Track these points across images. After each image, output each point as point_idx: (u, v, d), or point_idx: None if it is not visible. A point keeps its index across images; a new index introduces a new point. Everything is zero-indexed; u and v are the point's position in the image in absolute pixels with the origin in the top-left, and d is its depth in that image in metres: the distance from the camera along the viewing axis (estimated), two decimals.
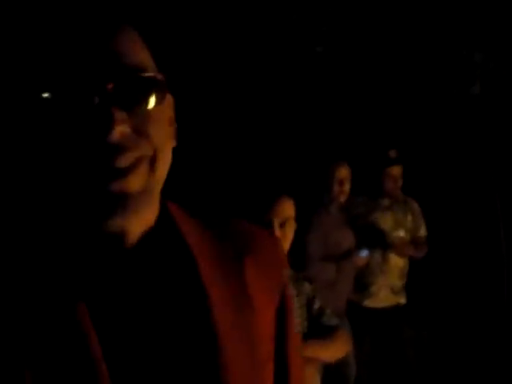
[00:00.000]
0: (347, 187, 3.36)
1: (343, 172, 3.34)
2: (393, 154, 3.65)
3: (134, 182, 0.64)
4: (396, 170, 3.64)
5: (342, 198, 3.36)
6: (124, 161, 0.63)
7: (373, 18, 4.57)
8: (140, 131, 0.65)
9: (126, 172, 0.63)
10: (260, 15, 4.33)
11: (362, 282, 3.55)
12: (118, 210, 0.64)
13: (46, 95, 0.62)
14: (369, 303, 3.62)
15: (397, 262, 3.66)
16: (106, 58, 0.64)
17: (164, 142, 0.68)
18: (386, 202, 3.70)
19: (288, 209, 3.06)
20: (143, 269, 0.71)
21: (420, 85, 4.73)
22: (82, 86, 0.62)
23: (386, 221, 3.67)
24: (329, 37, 4.64)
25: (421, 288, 4.39)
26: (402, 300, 3.74)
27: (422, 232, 3.81)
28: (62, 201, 0.67)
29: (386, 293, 3.64)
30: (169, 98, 0.73)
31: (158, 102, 0.67)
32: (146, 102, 0.65)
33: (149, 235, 0.71)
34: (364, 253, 3.47)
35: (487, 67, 4.66)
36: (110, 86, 0.62)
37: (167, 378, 0.69)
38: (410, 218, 3.76)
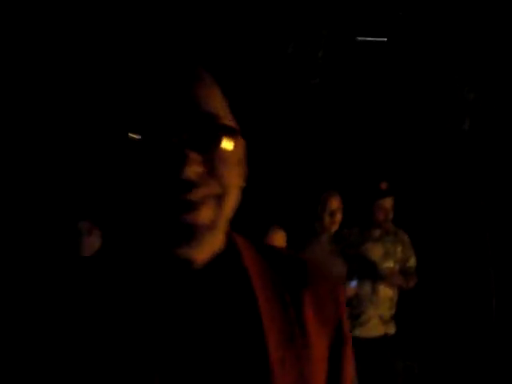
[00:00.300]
0: (338, 218, 3.40)
1: (334, 203, 3.38)
2: (384, 186, 3.70)
3: (203, 216, 0.71)
4: (387, 202, 3.69)
5: (333, 229, 3.39)
6: (194, 195, 0.70)
7: (368, 52, 4.67)
8: (211, 171, 0.72)
9: (196, 206, 0.70)
10: (254, 46, 4.42)
11: (352, 312, 3.59)
12: (186, 240, 0.71)
13: (134, 136, 0.70)
14: (358, 333, 3.64)
15: (386, 293, 3.69)
16: (186, 106, 0.71)
17: (232, 182, 0.75)
18: (376, 233, 3.75)
19: (279, 239, 3.12)
20: (204, 294, 0.76)
21: (412, 119, 4.82)
22: (164, 130, 0.70)
23: (375, 252, 3.70)
24: (324, 69, 4.73)
25: (410, 319, 4.42)
26: (391, 330, 3.75)
27: (412, 263, 3.85)
28: (137, 226, 0.74)
29: (375, 322, 3.68)
30: (240, 142, 0.79)
31: (228, 147, 0.73)
32: (218, 146, 0.72)
33: (213, 263, 0.77)
34: (353, 283, 3.51)
35: (477, 105, 4.76)
36: (186, 131, 0.70)
37: None
38: (399, 248, 3.80)
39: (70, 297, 0.75)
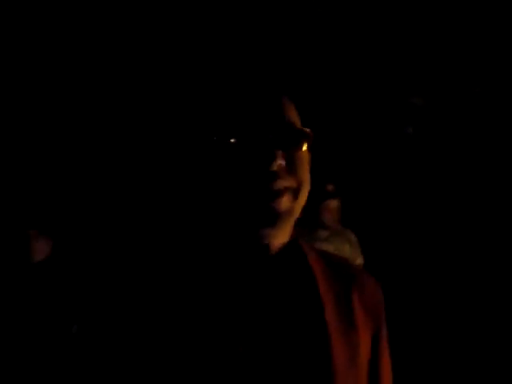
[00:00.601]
0: None
1: None
2: (330, 187, 3.79)
3: (284, 204, 0.86)
4: (334, 204, 3.78)
5: None
6: (278, 185, 0.85)
7: (313, 54, 4.76)
8: (291, 168, 0.88)
9: (279, 195, 0.85)
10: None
11: None
12: (270, 222, 0.86)
13: (233, 140, 0.87)
14: None
15: None
16: (274, 118, 0.89)
17: (306, 179, 0.93)
18: (324, 233, 3.84)
19: None
20: (276, 278, 0.89)
21: (357, 122, 4.94)
22: (258, 133, 0.87)
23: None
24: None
25: None
26: None
27: (359, 261, 3.96)
28: (224, 211, 0.88)
29: None
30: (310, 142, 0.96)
31: (304, 148, 0.92)
32: (298, 147, 0.90)
33: (284, 252, 0.91)
34: None
35: (421, 109, 4.90)
36: (274, 134, 0.87)
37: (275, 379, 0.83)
38: (347, 248, 3.90)
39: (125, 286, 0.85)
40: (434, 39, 4.63)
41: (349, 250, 3.90)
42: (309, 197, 3.49)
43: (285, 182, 0.87)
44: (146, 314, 0.82)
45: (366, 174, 5.18)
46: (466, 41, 4.57)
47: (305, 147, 0.93)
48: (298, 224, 3.55)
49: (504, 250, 5.04)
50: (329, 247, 3.78)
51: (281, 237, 0.91)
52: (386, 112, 4.88)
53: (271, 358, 0.83)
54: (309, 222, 3.78)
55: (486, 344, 4.71)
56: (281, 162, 0.86)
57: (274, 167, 0.85)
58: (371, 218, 5.12)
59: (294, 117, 0.94)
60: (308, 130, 0.94)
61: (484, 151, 4.87)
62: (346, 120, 4.94)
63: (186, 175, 0.91)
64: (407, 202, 5.23)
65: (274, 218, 0.87)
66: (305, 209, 3.40)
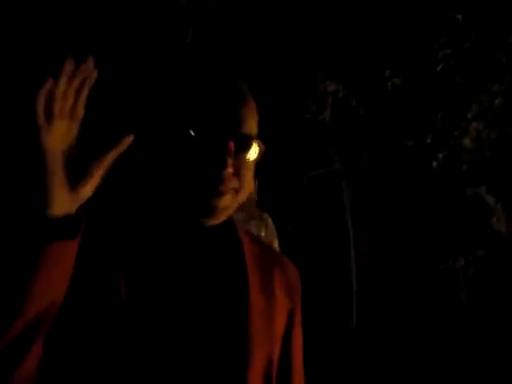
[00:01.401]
0: None
1: None
2: None
3: (224, 201, 0.98)
4: None
5: None
6: (223, 187, 0.96)
7: (233, 37, 4.74)
8: (237, 173, 0.98)
9: (221, 194, 0.97)
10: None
11: None
12: (210, 216, 0.98)
13: (192, 134, 0.96)
14: None
15: None
16: (233, 124, 0.98)
17: (248, 183, 1.03)
18: (240, 216, 3.84)
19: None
20: (209, 245, 1.04)
21: (277, 107, 4.97)
22: (215, 138, 0.96)
23: None
24: (193, 54, 4.75)
25: None
26: None
27: (275, 245, 3.99)
28: (172, 200, 1.01)
29: None
30: (261, 150, 1.05)
31: (254, 158, 1.01)
32: (248, 157, 1.00)
33: (218, 228, 1.03)
34: None
35: (338, 96, 5.00)
36: (231, 144, 0.95)
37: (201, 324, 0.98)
38: (263, 232, 3.92)
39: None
40: (353, 22, 4.70)
41: (265, 233, 3.92)
42: None
43: (230, 184, 0.97)
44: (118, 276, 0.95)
45: (284, 156, 5.22)
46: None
47: (255, 155, 1.02)
48: None
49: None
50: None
51: (219, 220, 1.03)
52: (304, 98, 4.92)
53: (196, 314, 0.99)
54: None
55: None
56: (230, 169, 0.96)
57: (224, 175, 0.95)
58: (288, 202, 5.18)
59: (252, 127, 1.02)
60: (261, 143, 1.03)
61: (399, 140, 4.99)
62: (265, 105, 4.95)
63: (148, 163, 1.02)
64: (322, 186, 5.31)
65: (214, 213, 0.98)
66: None
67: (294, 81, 4.91)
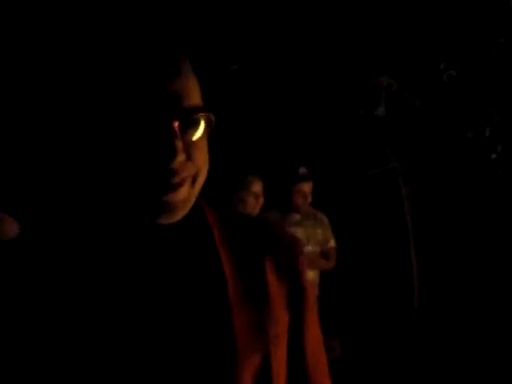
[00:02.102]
0: (261, 201, 3.44)
1: (258, 186, 3.42)
2: (302, 170, 3.77)
3: (181, 195, 0.81)
4: (305, 187, 3.75)
5: (256, 212, 3.44)
6: (176, 179, 0.79)
7: (286, 36, 4.73)
8: (190, 157, 0.81)
9: (175, 187, 0.80)
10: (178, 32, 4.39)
11: None
12: (165, 213, 0.81)
13: (122, 124, 0.78)
14: None
15: (309, 275, 3.74)
16: (172, 99, 0.79)
17: (204, 164, 0.84)
18: (296, 216, 3.82)
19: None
20: (171, 247, 0.86)
21: (330, 104, 4.92)
22: (152, 120, 0.78)
23: (297, 235, 3.77)
24: (243, 55, 4.75)
25: (333, 299, 4.53)
26: None
27: (332, 244, 3.96)
28: (121, 199, 0.83)
29: None
30: (211, 121, 0.86)
31: (205, 135, 0.83)
32: (199, 134, 0.82)
33: (181, 221, 0.85)
34: None
35: (391, 90, 4.91)
36: (175, 124, 0.78)
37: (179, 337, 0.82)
38: (319, 231, 3.89)
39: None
40: (402, 19, 4.62)
41: (321, 232, 3.90)
42: (281, 180, 3.44)
43: (183, 173, 0.80)
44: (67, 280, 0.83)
45: (339, 156, 5.17)
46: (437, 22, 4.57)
47: (205, 131, 0.83)
48: (271, 207, 3.51)
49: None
50: (300, 230, 3.77)
51: (178, 218, 0.86)
52: (356, 94, 4.86)
53: (169, 323, 0.83)
54: (281, 205, 3.77)
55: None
56: (181, 157, 0.78)
57: (175, 164, 0.78)
58: (344, 200, 5.13)
59: (195, 98, 0.83)
60: (211, 114, 0.83)
61: (457, 133, 4.89)
62: (318, 103, 4.92)
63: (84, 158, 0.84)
64: (380, 184, 5.24)
65: (170, 210, 0.82)
66: (277, 192, 3.36)
67: (346, 76, 4.85)
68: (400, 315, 5.18)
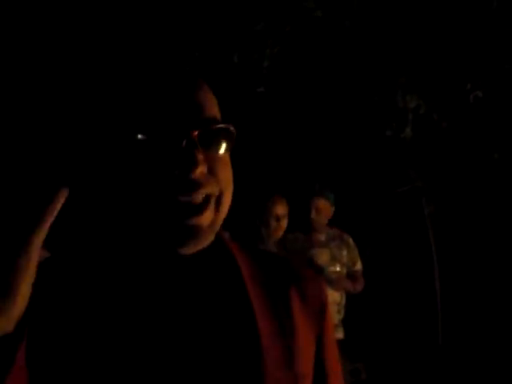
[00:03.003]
0: (284, 223, 3.42)
1: (280, 208, 3.41)
2: (317, 186, 3.75)
3: (206, 218, 0.76)
4: (320, 202, 3.72)
5: (279, 234, 3.42)
6: (198, 196, 0.74)
7: (310, 61, 4.74)
8: (212, 172, 0.76)
9: (199, 209, 0.75)
10: (201, 55, 4.44)
11: None
12: (191, 240, 0.76)
13: (141, 137, 0.74)
14: None
15: (333, 297, 3.71)
16: (192, 111, 0.76)
17: (228, 183, 0.80)
18: (321, 237, 3.79)
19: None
20: (195, 281, 0.81)
21: (355, 125, 4.91)
22: (172, 131, 0.75)
23: (322, 256, 3.74)
24: (270, 77, 4.78)
25: (358, 322, 4.48)
26: (340, 335, 3.77)
27: (358, 266, 3.91)
28: (146, 222, 0.78)
29: None
30: (233, 135, 0.83)
31: (228, 149, 0.79)
32: (220, 148, 0.78)
33: (203, 253, 0.81)
34: None
35: (419, 112, 4.88)
36: (195, 133, 0.74)
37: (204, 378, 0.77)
38: (345, 252, 3.85)
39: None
40: (427, 39, 4.61)
41: (347, 254, 3.86)
42: (301, 199, 3.40)
43: (205, 190, 0.76)
44: (90, 312, 0.79)
45: (365, 177, 5.15)
46: (463, 40, 4.55)
47: (228, 146, 0.80)
48: (293, 229, 3.48)
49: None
50: (325, 251, 3.74)
51: (203, 244, 0.82)
52: (381, 115, 4.85)
53: (201, 354, 0.78)
54: (302, 225, 3.74)
55: None
56: (202, 168, 0.75)
57: (196, 175, 0.74)
58: (371, 222, 5.09)
59: (215, 110, 0.82)
60: (231, 126, 0.80)
61: (484, 154, 4.83)
62: (344, 125, 4.91)
63: (99, 178, 0.80)
64: (405, 205, 5.20)
65: (195, 235, 0.77)
66: (300, 213, 3.33)
67: (373, 97, 4.84)
68: (424, 338, 5.10)
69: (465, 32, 4.54)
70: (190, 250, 0.79)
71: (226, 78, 4.58)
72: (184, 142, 0.74)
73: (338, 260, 3.81)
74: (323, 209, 3.73)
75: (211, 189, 0.77)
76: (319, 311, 0.91)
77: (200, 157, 0.74)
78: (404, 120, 4.79)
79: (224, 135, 0.79)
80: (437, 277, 5.12)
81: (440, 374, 4.77)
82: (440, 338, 5.08)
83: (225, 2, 4.28)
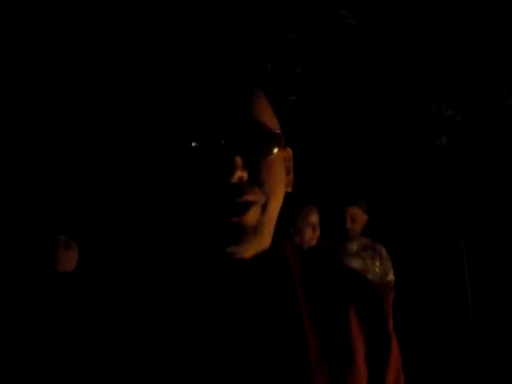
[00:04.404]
0: (318, 232, 3.41)
1: (315, 216, 3.40)
2: (350, 195, 3.73)
3: (249, 219, 0.76)
4: (354, 211, 3.70)
5: (313, 242, 3.41)
6: (241, 198, 0.75)
7: (344, 69, 4.72)
8: (255, 179, 0.76)
9: (243, 209, 0.75)
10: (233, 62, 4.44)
11: None
12: (234, 239, 0.76)
13: (193, 144, 0.75)
14: None
15: None
16: (234, 116, 0.76)
17: (275, 189, 0.79)
18: (354, 247, 3.76)
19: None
20: (249, 287, 0.80)
21: (390, 134, 4.87)
22: (213, 136, 0.75)
23: (354, 266, 3.71)
24: (301, 86, 4.77)
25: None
26: None
27: (391, 277, 3.87)
28: (188, 226, 0.79)
29: None
30: (287, 151, 0.85)
31: (271, 154, 0.78)
32: (264, 153, 0.77)
33: (259, 260, 0.80)
34: None
35: (455, 120, 4.83)
36: (234, 137, 0.74)
37: None
38: (378, 263, 3.81)
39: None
40: (463, 48, 4.55)
41: (379, 264, 3.82)
42: (335, 208, 3.38)
43: (249, 197, 0.76)
44: (137, 316, 0.79)
45: (398, 186, 5.10)
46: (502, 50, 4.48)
47: (274, 153, 0.79)
48: (326, 238, 3.46)
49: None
50: (357, 261, 3.71)
51: (252, 250, 0.80)
52: (416, 124, 4.80)
53: (250, 362, 0.76)
54: (335, 235, 3.72)
55: None
56: (241, 173, 0.74)
57: (234, 179, 0.74)
58: (404, 233, 5.03)
59: (262, 117, 0.80)
60: (278, 131, 0.80)
61: None
62: (378, 134, 4.87)
63: (148, 183, 0.81)
64: (438, 215, 5.13)
65: (239, 235, 0.76)
66: (330, 220, 3.31)
67: (408, 106, 4.79)
68: (455, 346, 5.02)
69: (501, 40, 4.48)
70: (237, 249, 0.78)
71: (259, 85, 4.57)
72: (224, 149, 0.74)
73: (370, 270, 3.77)
74: (357, 217, 3.71)
75: (254, 196, 0.76)
76: (379, 325, 0.88)
77: (238, 162, 0.73)
78: (439, 128, 4.73)
79: (267, 141, 0.78)
80: (468, 287, 5.04)
81: (471, 380, 4.70)
82: (471, 347, 5.00)
83: (259, 11, 4.29)
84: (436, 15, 4.57)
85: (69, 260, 2.68)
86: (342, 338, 0.83)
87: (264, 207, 0.78)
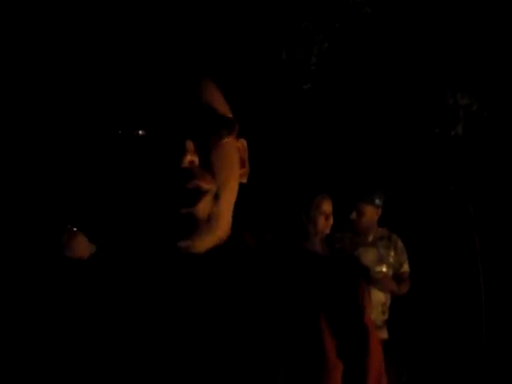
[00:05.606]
0: (331, 220, 3.40)
1: (328, 205, 3.38)
2: (363, 190, 3.72)
3: (200, 210, 0.74)
4: (363, 207, 3.69)
5: (326, 231, 3.40)
6: (191, 184, 0.73)
7: (359, 58, 4.69)
8: (207, 164, 0.75)
9: (194, 199, 0.73)
10: (247, 52, 4.43)
11: None
12: (185, 231, 0.74)
13: (140, 132, 0.75)
14: None
15: (378, 297, 3.68)
16: (185, 100, 0.75)
17: (228, 179, 0.77)
18: (369, 237, 3.76)
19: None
20: (205, 280, 0.78)
21: (404, 124, 4.84)
22: (165, 124, 0.74)
23: (368, 256, 3.70)
24: (316, 75, 4.75)
25: (403, 324, 4.42)
26: (384, 335, 3.75)
27: (405, 268, 3.85)
28: (138, 218, 0.78)
29: None
30: (241, 142, 0.83)
31: (222, 138, 0.77)
32: (216, 139, 0.76)
33: (214, 253, 0.79)
34: None
35: (470, 109, 4.78)
36: (186, 123, 0.74)
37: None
38: (392, 253, 3.80)
39: (66, 296, 0.80)
40: (479, 37, 4.51)
41: (394, 255, 3.80)
42: (350, 199, 3.35)
43: (200, 182, 0.74)
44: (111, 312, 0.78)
45: (414, 177, 5.07)
46: None
47: (225, 137, 0.77)
48: (342, 228, 3.45)
49: None
50: (372, 250, 3.70)
51: (206, 244, 0.78)
52: (432, 113, 4.76)
53: (208, 354, 0.75)
54: (350, 226, 3.72)
55: None
56: (192, 157, 0.73)
57: (185, 163, 0.72)
58: (418, 224, 5.01)
59: (212, 102, 0.78)
60: (229, 116, 0.79)
61: None
62: (392, 123, 4.85)
63: (96, 173, 0.80)
64: (454, 206, 5.10)
65: (191, 227, 0.74)
66: (345, 213, 3.29)
67: (423, 95, 4.76)
68: (468, 340, 5.00)
69: None
70: (188, 244, 0.76)
71: (274, 74, 4.56)
72: (175, 134, 0.73)
73: (385, 260, 3.76)
74: (367, 213, 3.70)
75: (205, 183, 0.75)
76: (355, 319, 0.85)
77: (189, 146, 0.72)
78: (455, 117, 4.69)
79: (218, 125, 0.77)
80: (482, 280, 5.01)
81: (482, 377, 4.68)
82: (483, 340, 4.98)
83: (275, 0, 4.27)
84: (452, 3, 4.53)
85: (76, 248, 2.71)
86: (309, 332, 0.80)
87: (216, 197, 0.76)
